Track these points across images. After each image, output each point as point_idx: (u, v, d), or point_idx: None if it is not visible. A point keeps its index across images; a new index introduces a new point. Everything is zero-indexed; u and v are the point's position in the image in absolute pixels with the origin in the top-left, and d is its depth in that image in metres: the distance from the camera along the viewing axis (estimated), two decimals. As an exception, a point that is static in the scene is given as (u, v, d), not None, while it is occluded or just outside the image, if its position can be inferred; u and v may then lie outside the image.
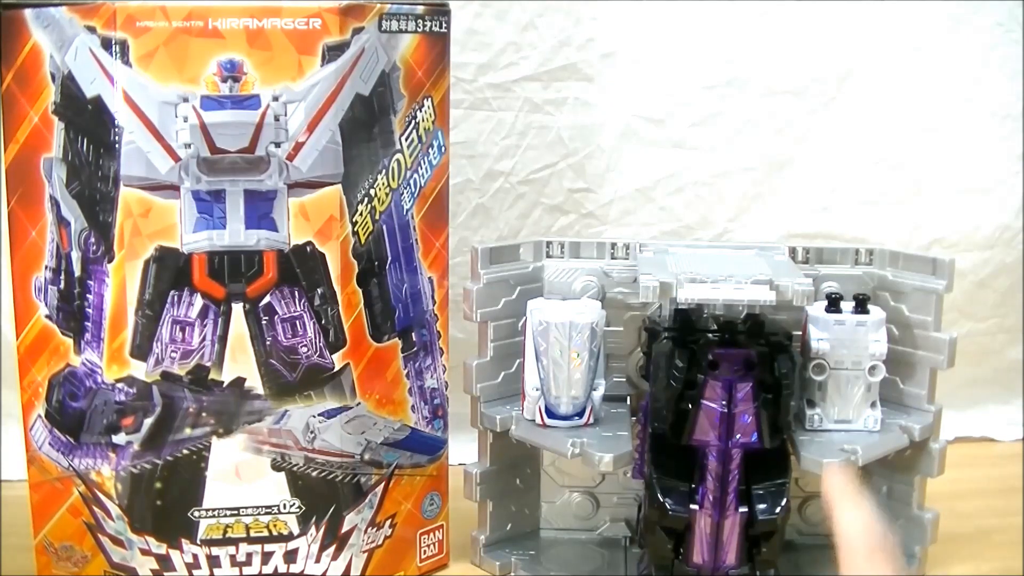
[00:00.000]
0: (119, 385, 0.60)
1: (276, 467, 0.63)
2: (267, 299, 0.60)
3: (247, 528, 0.63)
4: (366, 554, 0.66)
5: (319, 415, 0.62)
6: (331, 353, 0.62)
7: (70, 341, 0.62)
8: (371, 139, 0.61)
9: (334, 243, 0.60)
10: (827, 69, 0.87)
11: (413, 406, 0.66)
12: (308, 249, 0.60)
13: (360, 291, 0.62)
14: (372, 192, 0.62)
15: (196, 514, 0.62)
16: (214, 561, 0.63)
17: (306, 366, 0.62)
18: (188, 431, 0.61)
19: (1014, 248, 0.91)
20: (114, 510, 0.62)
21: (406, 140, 0.63)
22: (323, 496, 0.64)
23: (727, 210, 0.89)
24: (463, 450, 0.73)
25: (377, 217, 0.62)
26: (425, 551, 0.70)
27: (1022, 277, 0.92)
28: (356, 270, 0.62)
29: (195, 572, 0.63)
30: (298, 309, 0.61)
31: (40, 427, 0.64)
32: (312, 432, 0.62)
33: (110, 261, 0.59)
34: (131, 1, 0.56)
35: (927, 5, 0.86)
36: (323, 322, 0.61)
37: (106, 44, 0.57)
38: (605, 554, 0.73)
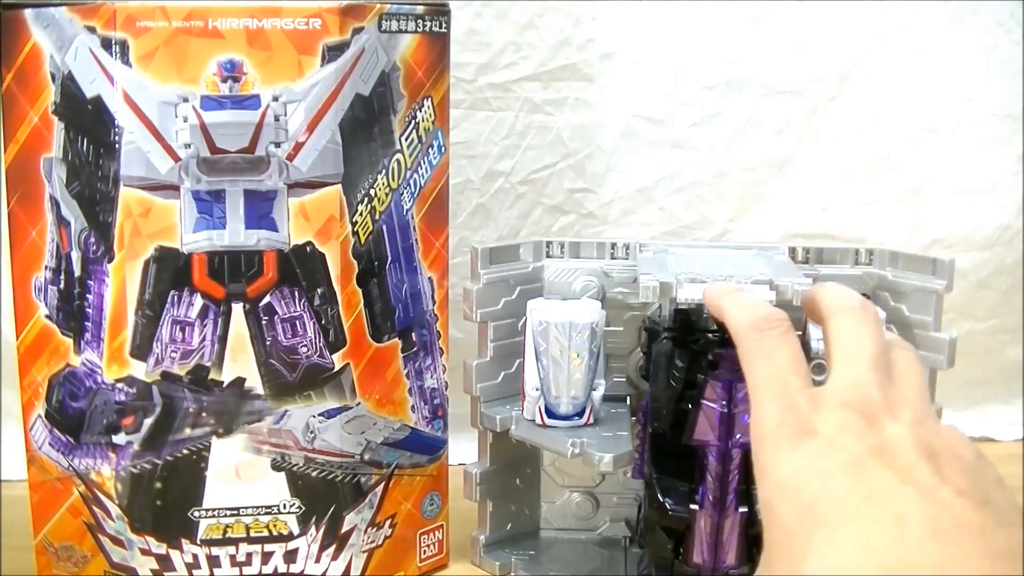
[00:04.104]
0: (119, 385, 0.60)
1: (276, 467, 0.63)
2: (267, 299, 0.60)
3: (247, 528, 0.63)
4: (366, 554, 0.66)
5: (319, 415, 0.62)
6: (331, 353, 0.62)
7: (70, 341, 0.62)
8: (371, 139, 0.61)
9: (334, 243, 0.60)
10: (827, 69, 0.87)
11: (413, 406, 0.66)
12: (308, 249, 0.60)
13: (360, 291, 0.62)
14: (372, 192, 0.62)
15: (196, 514, 0.62)
16: (214, 561, 0.63)
17: (306, 366, 0.62)
18: (188, 431, 0.61)
19: (1014, 248, 0.91)
20: (114, 510, 0.62)
21: (406, 140, 0.63)
22: (323, 496, 0.64)
23: (727, 210, 0.89)
24: (463, 450, 0.73)
25: (377, 217, 0.62)
26: (425, 551, 0.70)
27: (1022, 277, 0.92)
28: (356, 270, 0.62)
29: (195, 572, 0.63)
30: (298, 309, 0.61)
31: (40, 427, 0.64)
32: (312, 432, 0.62)
33: (110, 261, 0.59)
34: (131, 1, 0.56)
35: (927, 5, 0.86)
36: (323, 322, 0.61)
37: (106, 44, 0.57)
38: (605, 554, 0.73)
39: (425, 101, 0.63)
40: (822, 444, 0.41)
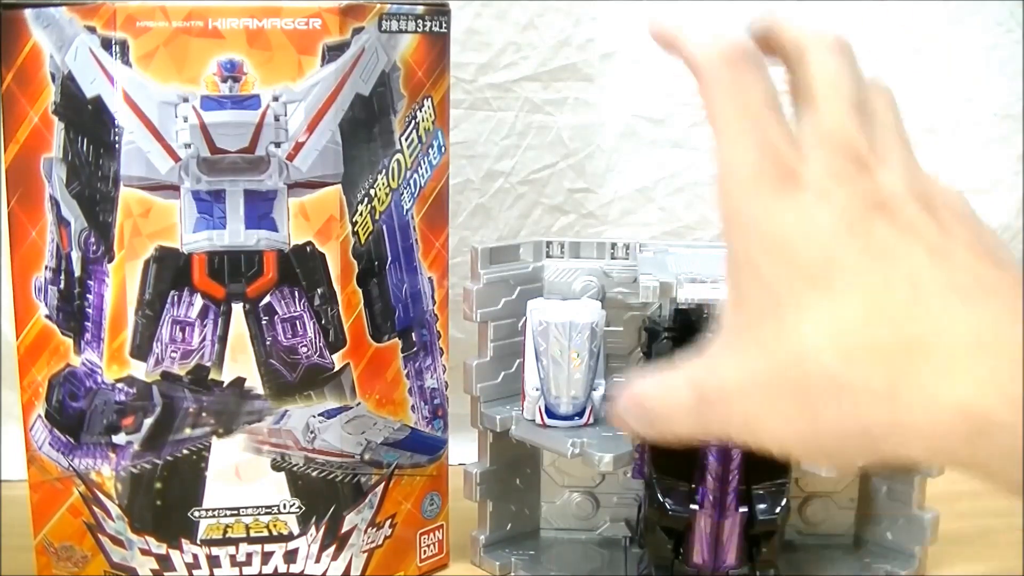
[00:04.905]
0: (119, 385, 0.60)
1: (276, 467, 0.63)
2: (267, 299, 0.60)
3: (247, 528, 0.63)
4: (366, 554, 0.66)
5: (319, 415, 0.62)
6: (331, 353, 0.62)
7: (70, 341, 0.62)
8: (371, 139, 0.61)
9: (334, 243, 0.60)
10: (827, 69, 0.87)
11: (413, 406, 0.66)
12: (308, 249, 0.60)
13: (360, 291, 0.62)
14: (372, 192, 0.62)
15: (196, 514, 0.62)
16: (214, 561, 0.63)
17: (306, 366, 0.62)
18: (188, 431, 0.61)
19: (1014, 248, 0.91)
20: (114, 510, 0.62)
21: (406, 140, 0.63)
22: (323, 496, 0.64)
23: (727, 210, 0.89)
24: (463, 450, 0.73)
25: (377, 217, 0.62)
26: (425, 551, 0.70)
27: (1022, 277, 0.92)
28: (356, 270, 0.62)
29: (195, 572, 0.63)
30: (298, 309, 0.61)
31: (40, 427, 0.64)
32: (312, 432, 0.62)
33: (110, 261, 0.59)
34: (131, 1, 0.56)
35: (927, 5, 0.86)
36: (323, 322, 0.61)
37: (106, 44, 0.57)
38: (605, 554, 0.73)
39: (425, 101, 0.63)
40: (812, 195, 0.36)
